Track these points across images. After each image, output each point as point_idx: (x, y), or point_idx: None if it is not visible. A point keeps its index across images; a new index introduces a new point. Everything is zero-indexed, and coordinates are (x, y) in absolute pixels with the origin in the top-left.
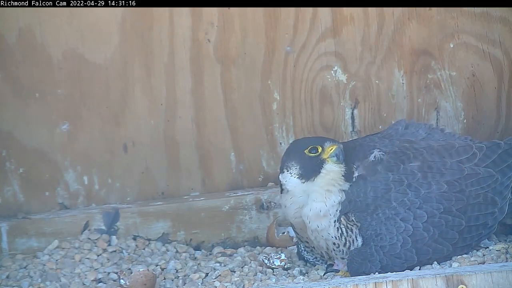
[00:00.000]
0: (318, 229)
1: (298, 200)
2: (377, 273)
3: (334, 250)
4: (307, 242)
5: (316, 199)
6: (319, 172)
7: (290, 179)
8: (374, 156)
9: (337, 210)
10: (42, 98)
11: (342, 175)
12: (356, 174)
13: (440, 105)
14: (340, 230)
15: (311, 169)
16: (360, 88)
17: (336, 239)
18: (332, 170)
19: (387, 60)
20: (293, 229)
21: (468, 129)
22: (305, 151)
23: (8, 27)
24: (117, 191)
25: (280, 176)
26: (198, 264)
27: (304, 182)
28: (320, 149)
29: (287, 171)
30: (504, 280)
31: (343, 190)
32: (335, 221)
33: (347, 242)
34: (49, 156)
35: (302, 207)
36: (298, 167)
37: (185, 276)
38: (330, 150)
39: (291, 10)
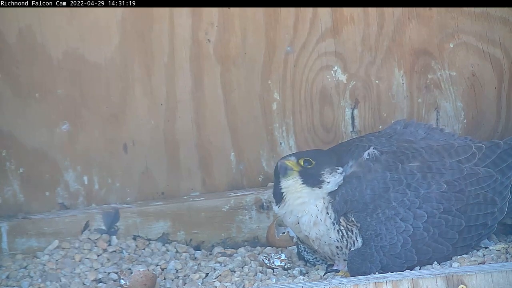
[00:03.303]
0: (318, 236)
1: (290, 221)
2: (377, 273)
3: (337, 253)
4: (309, 246)
5: (299, 214)
6: (282, 192)
7: (275, 207)
8: (368, 154)
9: (327, 213)
10: (42, 98)
11: (302, 183)
12: (329, 178)
13: (440, 105)
14: (340, 232)
15: (276, 193)
16: (360, 88)
17: (338, 242)
18: (288, 186)
19: (387, 60)
20: (298, 239)
21: (468, 129)
22: (275, 175)
23: (8, 27)
24: (117, 191)
25: None
26: (198, 264)
27: (279, 206)
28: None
29: (273, 201)
30: (504, 280)
31: (321, 197)
32: (333, 224)
33: (348, 243)
34: (49, 156)
35: (297, 223)
36: (273, 195)
37: (185, 276)
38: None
39: (291, 10)
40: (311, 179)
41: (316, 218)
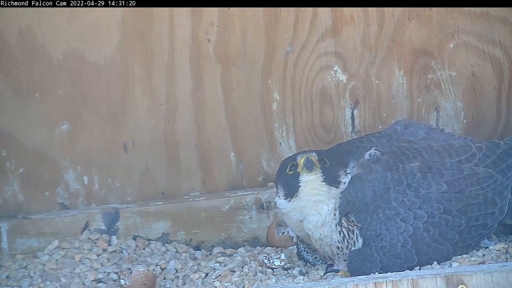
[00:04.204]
0: (321, 236)
1: (294, 218)
2: (377, 273)
3: (338, 254)
4: (308, 244)
5: (310, 212)
6: (299, 186)
7: (280, 201)
8: (370, 154)
9: (335, 215)
10: (42, 98)
11: (322, 181)
12: (345, 179)
13: (440, 105)
14: (342, 233)
15: (291, 186)
16: (360, 88)
17: (339, 242)
18: (308, 180)
19: (387, 60)
20: (298, 239)
21: (468, 129)
22: (287, 171)
23: (8, 27)
24: (117, 191)
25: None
26: (198, 264)
27: (290, 201)
28: (296, 165)
29: (277, 195)
30: (504, 280)
31: (333, 197)
32: (336, 225)
33: (349, 244)
34: (49, 156)
35: (301, 222)
36: (281, 188)
37: (185, 276)
38: (301, 162)
39: (291, 10)
40: (331, 178)
41: (325, 219)
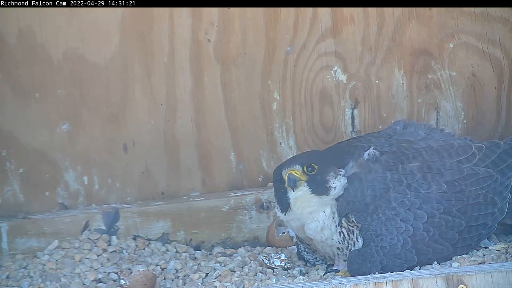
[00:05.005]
0: (323, 239)
1: (295, 225)
2: (377, 273)
3: (338, 254)
4: (309, 245)
5: (307, 221)
6: (289, 203)
7: (278, 213)
8: (369, 154)
9: (333, 218)
10: (42, 98)
11: (311, 193)
12: (335, 183)
13: (440, 105)
14: (342, 234)
15: (283, 202)
16: (360, 88)
17: (339, 243)
18: (296, 197)
19: (387, 60)
20: (298, 239)
21: (468, 129)
22: (277, 185)
23: (8, 27)
24: (117, 191)
25: None
26: (198, 264)
27: (285, 214)
28: (283, 179)
29: (275, 206)
30: (504, 280)
31: (327, 203)
32: (336, 227)
33: (349, 245)
34: (49, 156)
35: (302, 227)
36: (276, 201)
37: (185, 276)
38: (285, 178)
39: (291, 10)
40: (319, 187)
41: (324, 223)
